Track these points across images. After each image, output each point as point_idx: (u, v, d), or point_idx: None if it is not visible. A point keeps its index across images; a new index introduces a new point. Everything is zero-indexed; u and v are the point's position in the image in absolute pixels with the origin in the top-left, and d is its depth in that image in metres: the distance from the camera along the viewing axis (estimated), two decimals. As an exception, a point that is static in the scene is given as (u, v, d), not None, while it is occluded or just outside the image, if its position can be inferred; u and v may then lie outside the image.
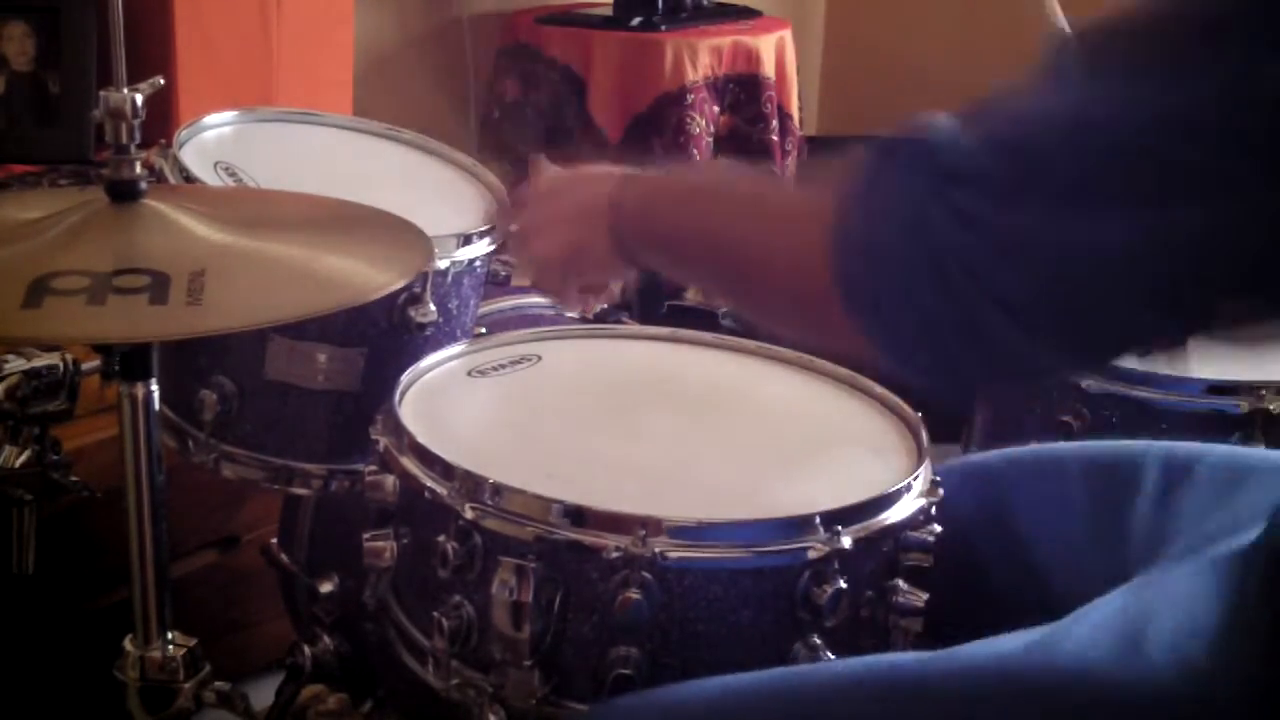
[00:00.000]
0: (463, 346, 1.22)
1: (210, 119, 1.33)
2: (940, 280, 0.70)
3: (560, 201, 1.10)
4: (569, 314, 1.52)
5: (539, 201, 1.14)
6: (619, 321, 1.46)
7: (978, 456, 1.23)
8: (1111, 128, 0.66)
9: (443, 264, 1.20)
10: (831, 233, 0.77)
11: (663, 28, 2.37)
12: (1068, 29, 1.13)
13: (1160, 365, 1.32)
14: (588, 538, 0.93)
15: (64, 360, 1.14)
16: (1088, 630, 0.85)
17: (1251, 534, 0.90)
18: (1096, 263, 0.67)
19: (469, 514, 0.95)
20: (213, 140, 1.32)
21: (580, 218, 1.04)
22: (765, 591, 0.94)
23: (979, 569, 1.09)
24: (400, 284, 0.98)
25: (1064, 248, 0.68)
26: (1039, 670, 0.83)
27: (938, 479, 1.04)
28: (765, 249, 0.86)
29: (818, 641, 0.94)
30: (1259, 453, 1.11)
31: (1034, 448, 1.21)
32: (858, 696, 0.84)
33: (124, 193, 0.99)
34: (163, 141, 1.22)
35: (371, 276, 0.97)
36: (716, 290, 1.04)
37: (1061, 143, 0.68)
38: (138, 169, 0.99)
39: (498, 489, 0.95)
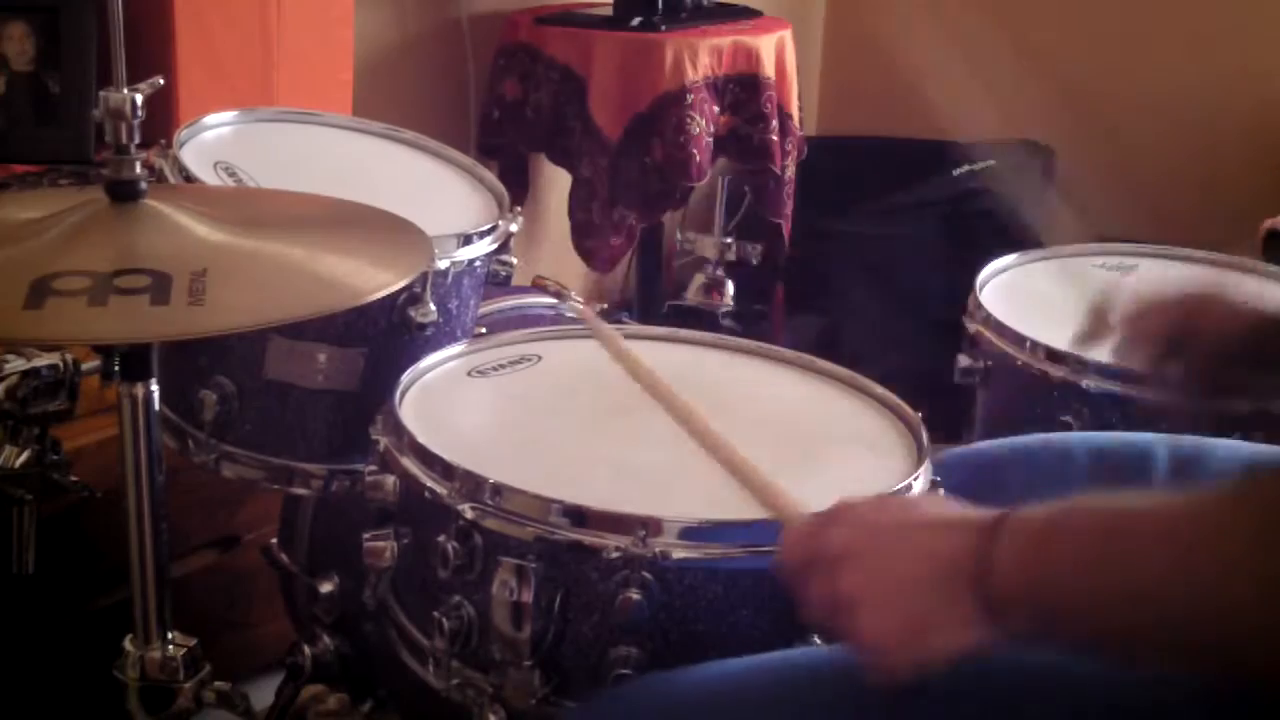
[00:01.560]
0: (463, 346, 1.22)
1: (210, 119, 1.33)
2: None
3: (887, 558, 0.80)
4: (571, 310, 1.52)
5: (852, 551, 0.81)
6: (619, 321, 1.46)
7: (982, 445, 1.22)
8: None
9: (443, 264, 1.20)
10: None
11: (663, 28, 2.37)
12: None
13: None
14: (588, 538, 0.93)
15: (64, 360, 1.15)
16: None
17: None
18: None
19: (469, 514, 0.95)
20: (213, 140, 1.32)
21: (925, 581, 0.78)
22: (765, 591, 0.94)
23: None
24: (400, 284, 0.98)
25: None
26: (1041, 664, 0.83)
27: (938, 479, 1.04)
28: (1200, 597, 0.70)
29: (818, 641, 0.94)
30: (1266, 448, 1.11)
31: (1039, 436, 1.20)
32: (859, 683, 0.84)
33: (124, 193, 0.99)
34: (163, 141, 1.22)
35: (371, 276, 0.97)
36: (1138, 655, 0.76)
37: None
38: (138, 169, 0.99)
39: (498, 489, 0.95)
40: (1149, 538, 0.72)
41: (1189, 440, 1.10)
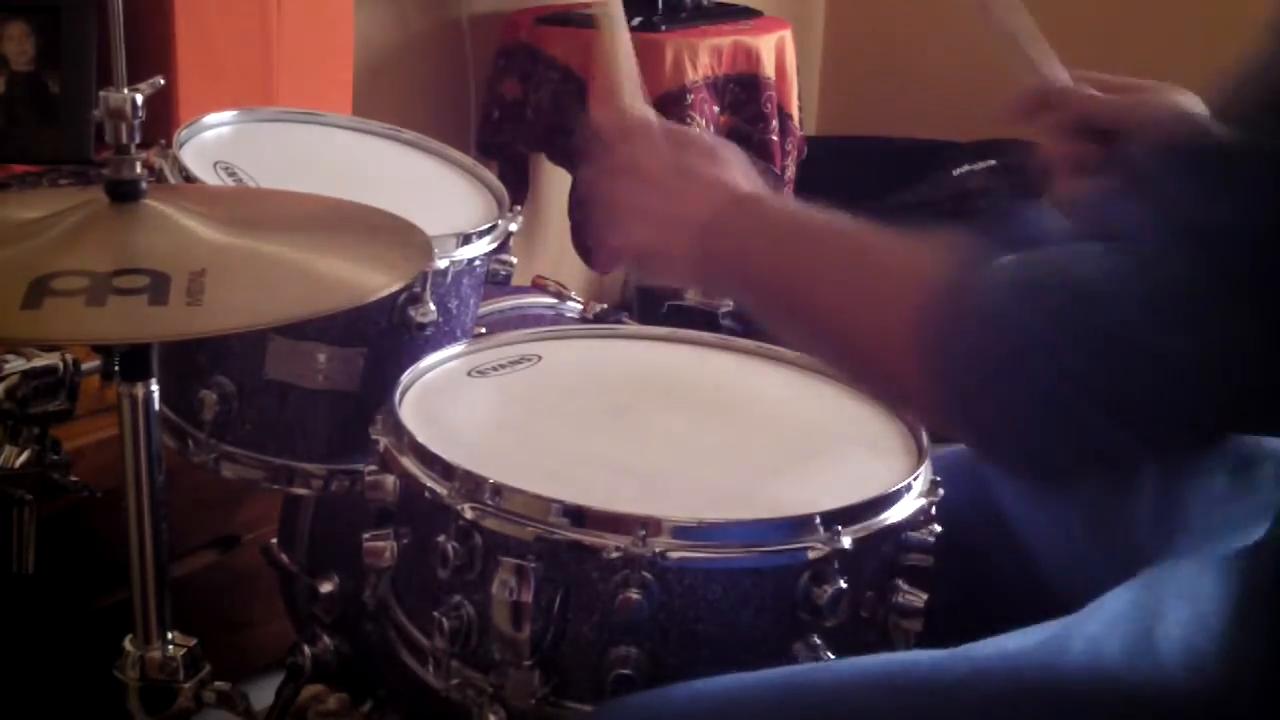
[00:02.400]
0: (463, 346, 1.22)
1: (210, 119, 1.33)
2: (1032, 375, 0.72)
3: (666, 190, 0.98)
4: (571, 310, 1.52)
5: (648, 168, 0.99)
6: (619, 321, 1.46)
7: None
8: (1221, 239, 0.69)
9: (443, 264, 1.20)
10: (928, 308, 0.77)
11: (663, 28, 2.37)
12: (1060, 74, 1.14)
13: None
14: (588, 538, 0.93)
15: (64, 360, 1.14)
16: (1097, 628, 0.85)
17: (1260, 528, 0.90)
18: (1176, 368, 0.70)
19: (469, 514, 0.95)
20: (213, 140, 1.32)
21: (677, 222, 0.95)
22: (765, 591, 0.94)
23: (980, 562, 1.09)
24: (400, 284, 0.98)
25: (1155, 353, 0.70)
26: (1049, 670, 0.83)
27: (938, 479, 1.04)
28: (855, 304, 0.85)
29: (818, 641, 0.94)
30: (1267, 446, 1.11)
31: None
32: (866, 697, 0.84)
33: (124, 193, 0.99)
34: (163, 141, 1.22)
35: (371, 276, 0.97)
36: (792, 333, 0.97)
37: (1181, 256, 0.70)
38: (138, 169, 0.99)
39: (498, 489, 0.95)
40: (825, 247, 0.89)
41: None
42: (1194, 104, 1.03)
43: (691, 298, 2.67)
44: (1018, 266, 0.76)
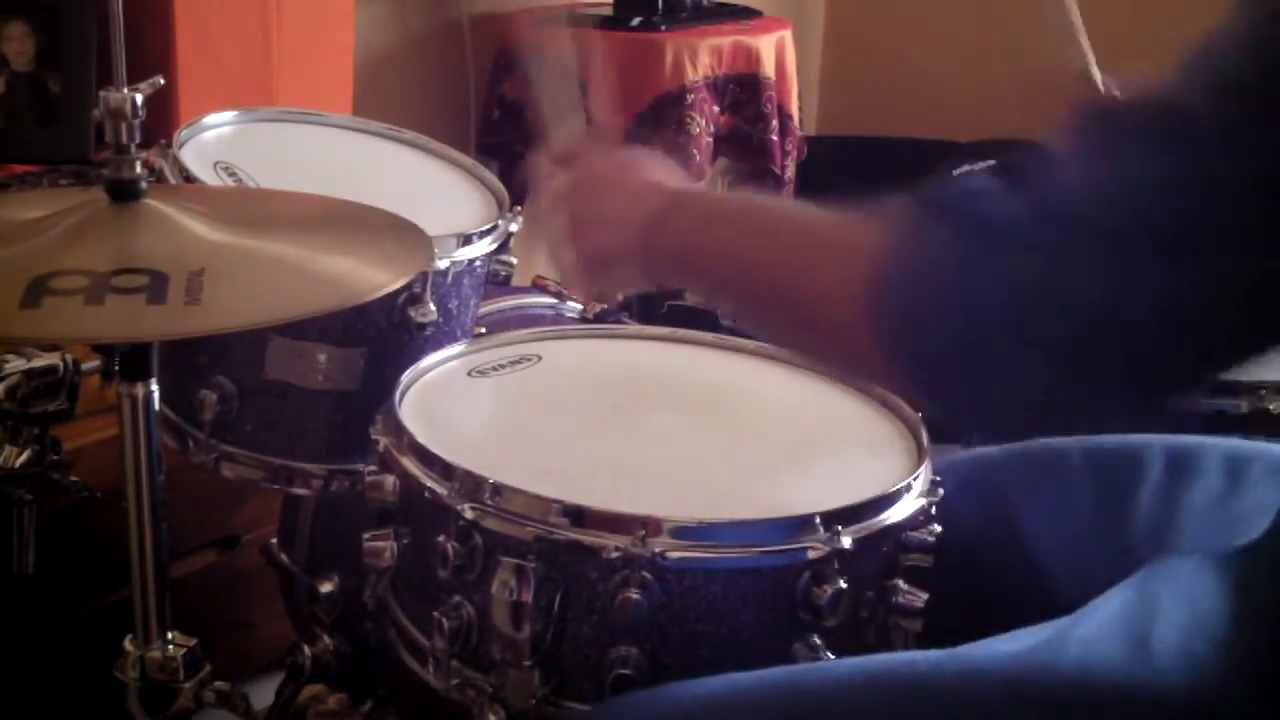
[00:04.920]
0: (463, 346, 1.22)
1: (210, 119, 1.33)
2: (979, 329, 0.74)
3: (604, 201, 1.05)
4: (571, 310, 1.52)
5: (584, 186, 1.07)
6: (619, 321, 1.46)
7: (979, 450, 1.22)
8: (1141, 192, 0.71)
9: (443, 264, 1.20)
10: (872, 273, 0.79)
11: (663, 28, 2.37)
12: (1097, 75, 1.14)
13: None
14: (588, 538, 0.93)
15: (64, 360, 1.14)
16: (1094, 629, 0.85)
17: (1257, 529, 0.90)
18: (1128, 308, 0.71)
19: (469, 514, 0.95)
20: (213, 140, 1.32)
21: (619, 225, 1.00)
22: (765, 591, 0.94)
23: (980, 562, 1.09)
24: (400, 284, 0.98)
25: (1100, 297, 0.71)
26: (1046, 671, 0.83)
27: (938, 479, 1.04)
28: (800, 277, 0.86)
29: (818, 641, 0.94)
30: (1263, 446, 1.11)
31: (1036, 441, 1.21)
32: (865, 697, 0.84)
33: (124, 192, 0.99)
34: (163, 141, 1.22)
35: (371, 276, 0.97)
36: (744, 313, 1.00)
37: (1101, 206, 0.72)
38: (138, 169, 0.99)
39: (498, 489, 0.95)
40: (768, 227, 0.92)
41: (1185, 440, 1.10)
42: None
43: (691, 298, 2.67)
44: (953, 224, 0.77)
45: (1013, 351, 0.73)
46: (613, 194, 1.03)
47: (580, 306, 1.56)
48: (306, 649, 1.35)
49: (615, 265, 1.04)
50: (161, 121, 1.33)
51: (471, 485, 0.96)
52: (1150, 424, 1.11)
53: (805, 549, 0.93)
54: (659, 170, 1.04)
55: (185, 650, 1.07)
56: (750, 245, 0.91)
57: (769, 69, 2.48)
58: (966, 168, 2.99)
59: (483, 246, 1.25)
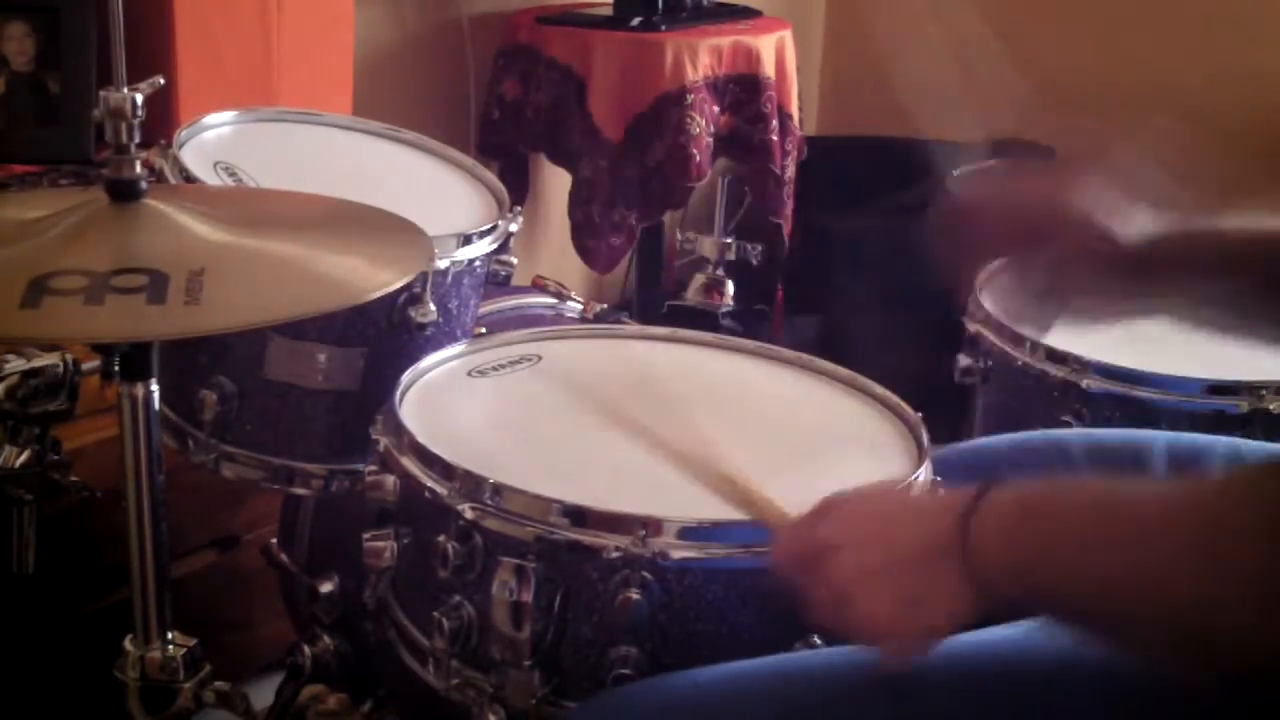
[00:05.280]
0: (463, 346, 1.22)
1: (210, 119, 1.33)
2: None
3: (874, 545, 0.83)
4: (571, 310, 1.52)
5: (840, 543, 0.84)
6: (619, 321, 1.46)
7: (981, 441, 1.22)
8: None
9: (443, 264, 1.20)
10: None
11: (663, 28, 2.37)
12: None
13: (1160, 365, 1.33)
14: (588, 538, 0.93)
15: (64, 360, 1.14)
16: None
17: None
18: None
19: (469, 514, 0.95)
20: (213, 140, 1.32)
21: (912, 563, 0.81)
22: (765, 591, 0.94)
23: None
24: (400, 283, 0.98)
25: None
26: (1036, 653, 0.83)
27: (938, 479, 1.04)
28: (1191, 572, 0.72)
29: (818, 642, 0.94)
30: (1265, 446, 1.11)
31: (1038, 433, 1.21)
32: (861, 684, 0.84)
33: (124, 192, 0.99)
34: (163, 141, 1.22)
35: (371, 276, 0.97)
36: (1093, 619, 0.78)
37: None
38: (138, 168, 0.99)
39: (498, 489, 0.95)
40: (1151, 521, 0.74)
41: (1188, 438, 1.10)
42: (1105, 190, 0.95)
43: (691, 298, 2.67)
44: None
45: None
46: (878, 536, 0.83)
47: (580, 306, 1.56)
48: (306, 649, 1.35)
49: (929, 609, 0.81)
50: (161, 121, 1.33)
51: (471, 485, 0.96)
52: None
53: (805, 549, 0.93)
54: (911, 493, 0.89)
55: (185, 650, 1.07)
56: (1125, 553, 0.74)
57: (769, 69, 2.48)
58: (967, 168, 2.99)
59: (483, 246, 1.25)
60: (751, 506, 0.95)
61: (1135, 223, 0.91)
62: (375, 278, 0.96)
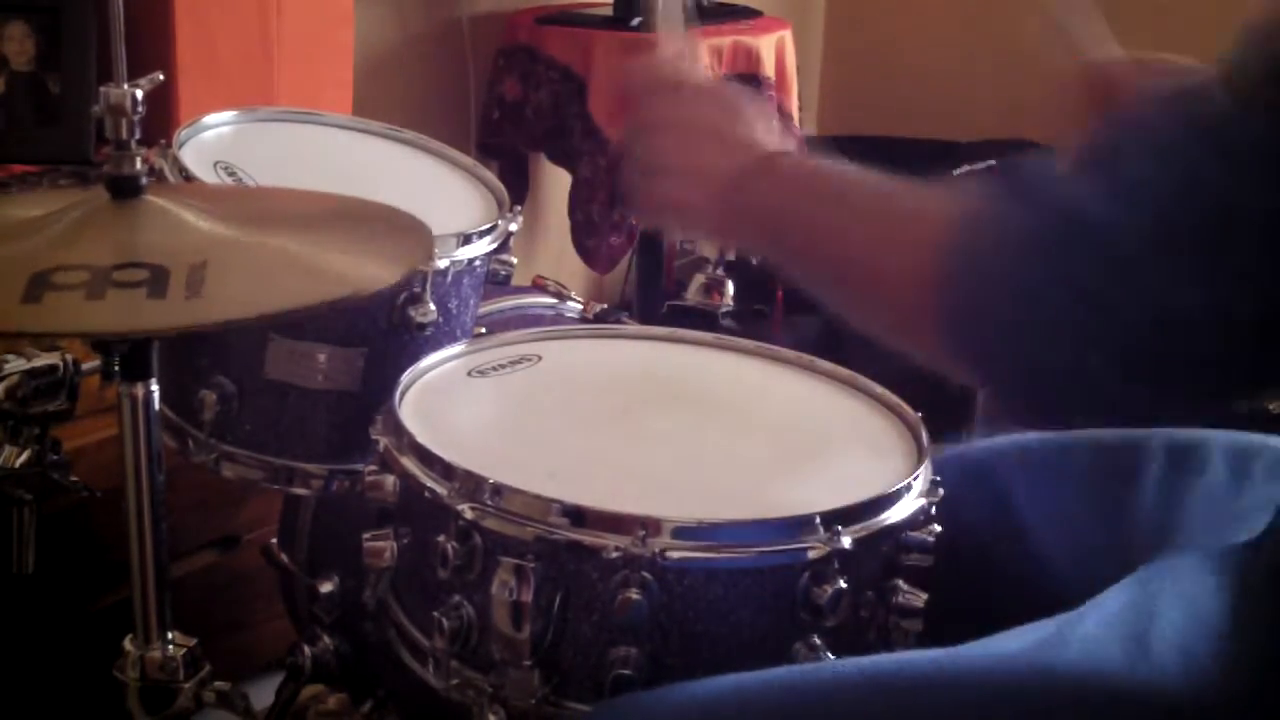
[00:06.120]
0: (463, 346, 1.22)
1: (210, 119, 1.33)
2: (1041, 320, 0.73)
3: (694, 148, 0.99)
4: (571, 310, 1.52)
5: (678, 124, 1.01)
6: (619, 321, 1.46)
7: (981, 443, 1.22)
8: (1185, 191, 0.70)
9: (443, 264, 1.20)
10: (944, 251, 0.78)
11: (663, 28, 2.37)
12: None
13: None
14: (588, 538, 0.93)
15: (64, 360, 1.14)
16: (1093, 629, 0.85)
17: (1258, 525, 0.90)
18: (1188, 319, 0.70)
19: (469, 514, 0.95)
20: (213, 140, 1.32)
21: (702, 179, 0.97)
22: (765, 591, 0.94)
23: (981, 554, 1.09)
24: (401, 276, 0.98)
25: (1164, 300, 0.70)
26: (1046, 672, 0.83)
27: (938, 479, 1.04)
28: (872, 249, 0.86)
29: (818, 642, 0.94)
30: (1266, 439, 1.11)
31: (1038, 434, 1.20)
32: (866, 697, 0.84)
33: (124, 189, 0.99)
34: (163, 141, 1.22)
35: (372, 269, 0.97)
36: (811, 284, 0.93)
37: (1161, 202, 0.71)
38: (138, 164, 0.99)
39: (498, 489, 0.95)
40: (851, 195, 0.90)
41: (1186, 434, 1.10)
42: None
43: (691, 298, 2.67)
44: (1029, 206, 0.76)
45: (1075, 347, 0.73)
46: (705, 141, 0.99)
47: (580, 306, 1.55)
48: (306, 649, 1.35)
49: (684, 216, 1.02)
50: (161, 121, 1.33)
51: (471, 485, 0.96)
52: (1212, 423, 1.09)
53: (805, 549, 0.93)
54: (758, 121, 1.00)
55: (185, 650, 1.07)
56: (827, 217, 0.90)
57: (769, 69, 2.48)
58: (966, 168, 3.00)
59: (482, 246, 1.25)
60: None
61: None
62: (376, 271, 0.96)
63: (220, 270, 0.92)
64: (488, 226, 1.27)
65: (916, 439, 1.09)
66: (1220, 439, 1.09)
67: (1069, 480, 1.10)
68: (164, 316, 0.89)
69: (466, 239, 1.24)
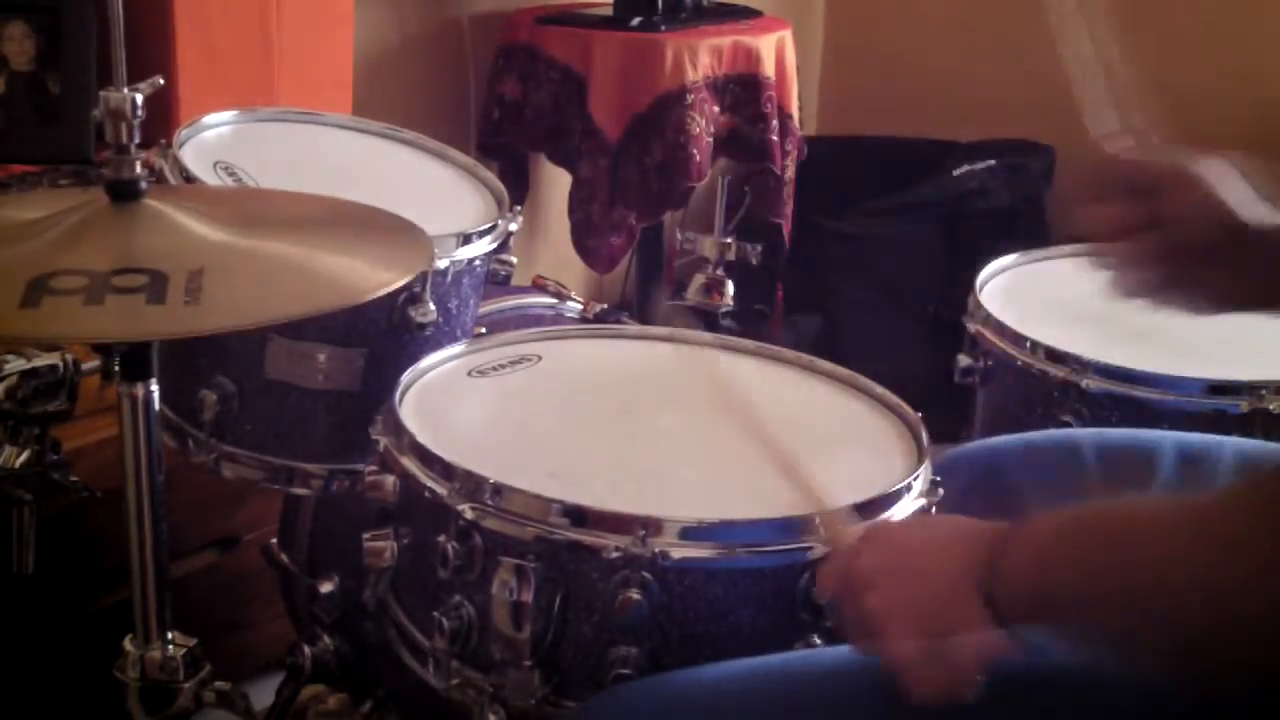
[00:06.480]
0: (463, 346, 1.22)
1: (210, 119, 1.33)
2: None
3: (906, 577, 0.85)
4: (571, 310, 1.52)
5: (875, 574, 0.85)
6: (619, 321, 1.46)
7: (987, 441, 1.22)
8: None
9: (443, 264, 1.20)
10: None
11: (663, 28, 2.37)
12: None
13: (1160, 365, 1.33)
14: (588, 538, 0.93)
15: (64, 360, 1.14)
16: None
17: None
18: None
19: (469, 514, 0.95)
20: (213, 140, 1.32)
21: (940, 596, 0.82)
22: (765, 591, 0.94)
23: None
24: (400, 283, 0.98)
25: None
26: (1034, 662, 0.83)
27: (938, 479, 1.04)
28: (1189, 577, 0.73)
29: (818, 641, 0.94)
30: (1273, 447, 1.10)
31: (1046, 433, 1.20)
32: (858, 683, 0.84)
33: (124, 192, 0.99)
34: (163, 141, 1.22)
35: (371, 275, 0.97)
36: (1108, 641, 0.80)
37: None
38: (138, 169, 0.99)
39: (498, 489, 0.95)
40: (1149, 535, 0.75)
41: (1197, 438, 1.10)
42: (1228, 176, 0.98)
43: (691, 298, 2.67)
44: None
45: None
46: (920, 561, 0.85)
47: (580, 306, 1.56)
48: (306, 649, 1.35)
49: (954, 645, 0.82)
50: (161, 121, 1.33)
51: (471, 485, 0.96)
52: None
53: (805, 549, 0.93)
54: (958, 524, 0.88)
55: (185, 650, 1.07)
56: (1126, 569, 0.76)
57: (769, 69, 2.48)
58: (966, 168, 2.99)
59: (482, 246, 1.25)
60: (815, 505, 0.95)
61: (1256, 208, 0.94)
62: (375, 276, 0.96)
63: (219, 276, 0.92)
64: (487, 226, 1.27)
65: (916, 439, 1.09)
66: (1229, 444, 1.09)
67: (1078, 476, 1.10)
68: (162, 323, 0.89)
69: (466, 239, 1.24)
